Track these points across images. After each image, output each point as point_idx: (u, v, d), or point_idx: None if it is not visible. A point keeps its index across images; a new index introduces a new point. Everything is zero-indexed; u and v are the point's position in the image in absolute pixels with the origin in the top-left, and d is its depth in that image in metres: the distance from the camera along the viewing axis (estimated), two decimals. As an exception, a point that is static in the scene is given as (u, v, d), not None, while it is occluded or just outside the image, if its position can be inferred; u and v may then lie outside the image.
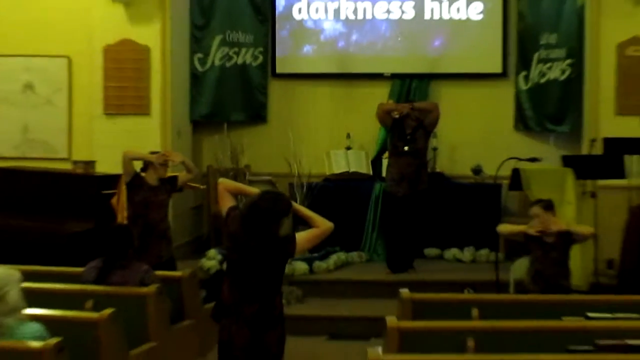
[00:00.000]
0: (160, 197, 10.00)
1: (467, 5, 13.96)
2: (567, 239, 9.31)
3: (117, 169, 10.95)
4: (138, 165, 10.11)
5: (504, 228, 9.87)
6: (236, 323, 6.65)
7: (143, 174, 9.99)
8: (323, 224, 6.87)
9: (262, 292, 6.71)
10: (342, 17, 14.21)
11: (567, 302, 8.04)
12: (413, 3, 14.02)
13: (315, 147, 13.90)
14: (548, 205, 9.47)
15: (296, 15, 14.30)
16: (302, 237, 6.77)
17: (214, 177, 13.45)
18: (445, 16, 14.02)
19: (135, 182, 9.96)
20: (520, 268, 9.66)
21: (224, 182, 7.07)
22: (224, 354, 6.73)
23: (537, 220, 9.42)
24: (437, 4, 13.99)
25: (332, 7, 14.21)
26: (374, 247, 13.05)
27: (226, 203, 6.85)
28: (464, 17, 14.00)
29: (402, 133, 11.98)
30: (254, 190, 6.98)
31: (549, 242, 9.27)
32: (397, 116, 11.99)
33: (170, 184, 10.11)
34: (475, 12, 13.96)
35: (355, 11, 14.15)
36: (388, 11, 14.09)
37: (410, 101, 12.57)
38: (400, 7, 14.04)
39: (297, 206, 7.05)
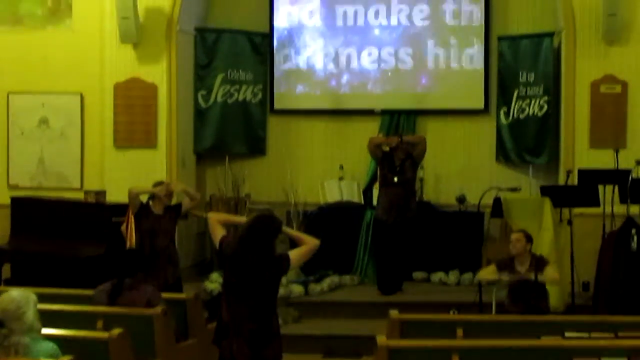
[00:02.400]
0: (165, 225, 10.02)
1: (452, 47, 14.02)
2: (539, 267, 9.35)
3: (126, 198, 10.96)
4: (145, 196, 10.14)
5: (482, 277, 9.86)
6: (236, 342, 6.67)
7: (151, 202, 10.02)
8: (311, 241, 7.15)
9: (260, 311, 6.74)
10: (334, 60, 14.22)
11: (545, 322, 8.04)
12: (400, 49, 14.09)
13: (310, 178, 13.93)
14: (529, 238, 9.52)
15: (292, 57, 14.31)
16: (294, 254, 7.00)
17: (217, 206, 13.47)
18: (432, 57, 14.07)
19: (142, 212, 10.00)
20: (500, 290, 9.67)
21: (213, 215, 7.31)
22: None
23: (512, 244, 9.46)
24: (423, 47, 14.05)
25: (324, 51, 14.22)
26: (365, 270, 13.02)
27: (218, 233, 7.06)
28: (448, 58, 14.03)
29: (392, 165, 12.01)
30: (242, 218, 7.19)
31: (522, 273, 9.32)
32: (387, 149, 12.03)
33: (175, 212, 10.13)
34: (459, 52, 14.01)
35: (348, 57, 14.19)
36: (379, 59, 14.16)
37: (399, 134, 12.56)
38: (392, 53, 14.11)
39: (286, 228, 7.18)
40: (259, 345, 6.71)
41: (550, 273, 9.45)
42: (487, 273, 9.73)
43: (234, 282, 6.81)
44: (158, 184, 10.26)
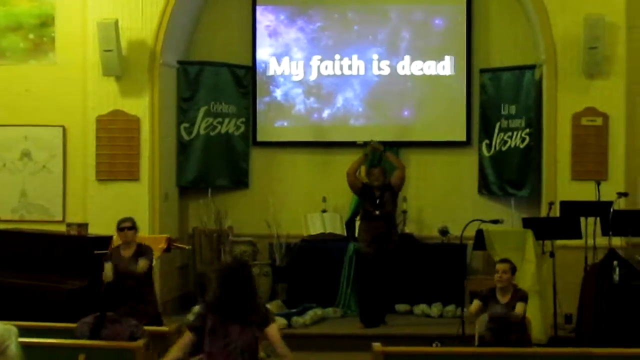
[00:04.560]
0: (134, 266, 10.14)
1: (434, 79, 14.07)
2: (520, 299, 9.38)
3: (109, 230, 11.07)
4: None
5: (472, 309, 9.84)
6: None
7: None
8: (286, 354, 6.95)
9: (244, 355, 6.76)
10: (317, 93, 14.30)
11: (527, 355, 8.04)
12: (384, 81, 14.15)
13: (293, 210, 13.96)
14: (514, 269, 9.54)
15: (274, 90, 14.35)
16: (275, 330, 6.94)
17: (199, 238, 13.47)
18: (414, 90, 14.12)
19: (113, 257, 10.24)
20: (483, 323, 9.67)
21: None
22: None
23: (499, 275, 9.47)
24: (406, 76, 14.10)
25: (306, 84, 14.28)
26: (348, 302, 13.03)
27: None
28: (431, 88, 14.08)
29: (372, 197, 12.05)
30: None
31: (505, 305, 9.33)
32: (368, 153, 12.36)
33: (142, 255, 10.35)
34: (442, 84, 14.06)
35: (330, 89, 14.25)
36: (361, 91, 14.21)
37: (382, 167, 12.57)
38: (375, 85, 14.18)
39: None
40: None
41: (518, 310, 9.47)
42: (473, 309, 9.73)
43: (219, 326, 6.81)
44: (123, 221, 10.41)
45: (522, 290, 9.63)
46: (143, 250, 10.31)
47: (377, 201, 12.05)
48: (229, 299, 6.80)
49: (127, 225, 10.28)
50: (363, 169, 12.74)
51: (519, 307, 9.39)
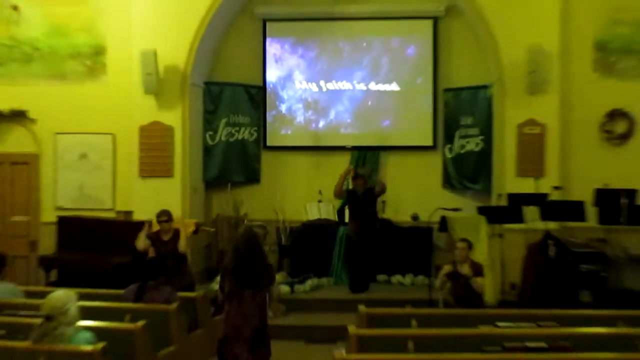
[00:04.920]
0: (171, 247, 10.13)
1: (408, 96, 14.07)
2: (474, 275, 9.42)
3: (150, 216, 10.98)
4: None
5: (437, 284, 9.85)
6: (237, 344, 6.70)
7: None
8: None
9: (257, 314, 6.76)
10: (313, 107, 14.24)
11: (481, 315, 8.05)
12: (369, 97, 14.14)
13: (295, 201, 13.92)
14: (470, 245, 9.58)
15: (279, 106, 14.31)
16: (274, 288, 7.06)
17: (221, 223, 13.46)
18: (392, 105, 14.11)
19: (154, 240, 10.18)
20: (446, 290, 9.69)
21: None
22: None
23: (459, 251, 9.51)
24: (385, 93, 14.09)
25: (305, 100, 14.24)
26: (339, 274, 12.99)
27: None
28: (405, 103, 14.07)
29: (357, 201, 12.12)
30: None
31: (463, 275, 9.36)
32: (351, 172, 12.34)
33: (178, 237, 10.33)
34: (414, 101, 14.06)
35: (324, 105, 14.20)
36: (350, 106, 14.16)
37: (364, 177, 12.59)
38: (361, 101, 14.16)
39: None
40: (255, 343, 6.74)
41: (478, 283, 9.51)
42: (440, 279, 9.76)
43: (235, 291, 6.81)
44: (161, 214, 10.39)
45: (478, 263, 9.70)
46: (179, 234, 10.32)
47: (361, 204, 12.08)
48: (242, 259, 6.80)
49: (164, 219, 10.33)
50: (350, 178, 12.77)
51: (478, 281, 9.44)
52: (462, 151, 13.60)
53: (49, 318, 6.05)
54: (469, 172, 13.58)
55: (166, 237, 10.24)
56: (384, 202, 13.69)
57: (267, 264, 7.05)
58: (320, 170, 14.13)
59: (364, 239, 12.01)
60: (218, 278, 12.08)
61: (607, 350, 6.28)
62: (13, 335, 6.62)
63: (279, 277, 12.69)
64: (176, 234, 10.30)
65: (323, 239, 13.25)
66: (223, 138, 14.02)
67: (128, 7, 13.14)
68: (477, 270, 9.53)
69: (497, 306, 10.61)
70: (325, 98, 14.23)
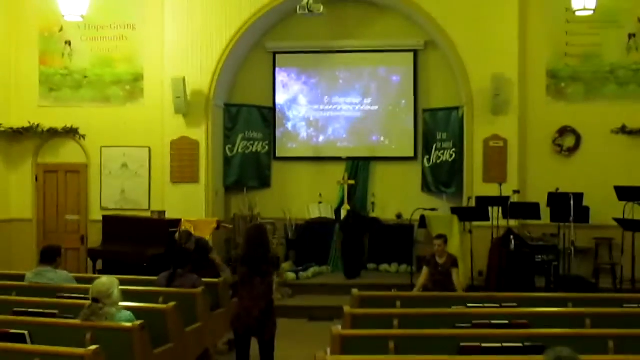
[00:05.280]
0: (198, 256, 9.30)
1: (393, 116, 14.06)
2: (451, 265, 9.40)
3: (179, 215, 11.00)
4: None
5: (421, 284, 9.75)
6: (248, 321, 6.71)
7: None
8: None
9: (264, 296, 6.76)
10: (314, 125, 14.22)
11: (454, 297, 8.06)
12: (359, 118, 14.13)
13: (300, 202, 13.89)
14: (445, 240, 9.57)
15: (286, 124, 14.28)
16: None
17: (238, 221, 13.44)
18: (380, 122, 14.10)
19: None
20: (425, 276, 9.68)
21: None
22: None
23: (437, 247, 9.49)
24: (375, 113, 14.09)
25: (308, 120, 14.22)
26: (336, 262, 13.01)
27: None
28: (391, 121, 14.06)
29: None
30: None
31: (441, 265, 9.35)
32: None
33: (202, 247, 9.62)
34: (398, 119, 14.05)
35: (324, 123, 14.20)
36: (345, 125, 14.13)
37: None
38: (355, 121, 14.15)
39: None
40: (262, 320, 6.74)
41: (456, 279, 9.53)
42: (423, 276, 9.72)
43: (247, 279, 6.81)
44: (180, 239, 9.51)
45: (453, 255, 9.69)
46: (203, 245, 9.71)
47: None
48: (252, 250, 6.80)
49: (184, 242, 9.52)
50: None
51: (455, 273, 9.45)
52: (438, 161, 13.56)
53: (95, 300, 6.04)
54: (443, 179, 13.54)
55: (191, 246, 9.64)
56: (373, 203, 13.74)
57: (271, 254, 7.07)
58: (320, 177, 14.09)
59: (355, 237, 12.03)
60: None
61: (559, 326, 6.27)
62: (66, 314, 6.61)
63: (286, 265, 12.71)
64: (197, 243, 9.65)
65: (323, 234, 13.26)
66: (240, 150, 13.98)
67: (161, 42, 13.15)
68: (453, 261, 9.50)
69: (467, 290, 10.59)
70: (324, 117, 14.20)
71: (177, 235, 9.99)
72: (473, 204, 11.95)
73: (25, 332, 5.76)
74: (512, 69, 12.51)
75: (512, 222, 11.50)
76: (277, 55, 14.23)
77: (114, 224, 11.83)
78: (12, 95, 13.50)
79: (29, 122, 13.25)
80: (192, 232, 9.99)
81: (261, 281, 6.76)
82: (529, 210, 11.45)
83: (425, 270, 9.59)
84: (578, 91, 12.81)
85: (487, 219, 11.46)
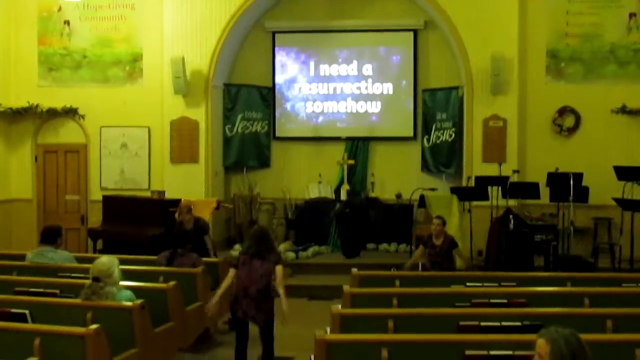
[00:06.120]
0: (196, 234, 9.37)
1: (393, 96, 14.02)
2: (450, 247, 9.39)
3: (179, 195, 10.98)
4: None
5: (417, 254, 9.78)
6: (246, 301, 6.75)
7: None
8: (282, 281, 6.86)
9: (262, 280, 6.80)
10: (314, 105, 14.16)
11: (454, 276, 8.08)
12: (359, 98, 14.09)
13: (299, 182, 13.92)
14: (444, 222, 9.55)
15: (285, 104, 14.24)
16: (280, 270, 6.87)
17: (238, 201, 13.46)
18: (379, 103, 14.07)
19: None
20: (418, 255, 9.66)
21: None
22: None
23: (434, 226, 9.47)
24: (374, 94, 14.04)
25: (307, 100, 14.15)
26: (336, 242, 13.02)
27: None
28: (390, 101, 14.03)
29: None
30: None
31: (438, 246, 9.35)
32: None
33: (200, 231, 9.67)
34: (398, 100, 14.02)
35: (323, 103, 14.14)
36: (345, 105, 14.07)
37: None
38: (354, 99, 14.11)
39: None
40: (259, 301, 6.77)
41: (459, 258, 9.57)
42: (417, 254, 9.72)
43: (247, 260, 6.86)
44: (182, 211, 9.80)
45: (451, 236, 9.65)
46: (201, 225, 9.86)
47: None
48: (256, 248, 6.86)
49: (185, 213, 9.77)
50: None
51: (456, 253, 9.50)
52: (438, 141, 13.55)
53: (96, 279, 6.05)
54: (443, 159, 13.53)
55: (188, 227, 9.83)
56: (372, 183, 13.74)
57: (274, 249, 7.14)
58: (319, 157, 14.09)
59: (355, 217, 12.05)
60: (236, 246, 12.18)
61: (558, 305, 6.29)
62: (66, 293, 6.62)
63: (286, 245, 12.74)
64: (197, 223, 9.79)
65: (322, 214, 13.29)
66: (239, 130, 13.96)
67: (160, 22, 13.11)
68: (452, 242, 9.48)
69: (466, 269, 10.61)
70: (323, 97, 14.16)
71: (177, 211, 10.02)
72: (472, 183, 11.95)
73: (26, 312, 5.78)
74: (511, 48, 12.48)
75: (512, 202, 11.52)
76: (276, 35, 14.17)
77: (113, 204, 11.83)
78: (12, 76, 13.47)
79: (29, 102, 13.22)
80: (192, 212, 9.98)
81: (260, 264, 6.80)
82: (528, 190, 11.45)
83: (420, 249, 9.59)
84: (578, 71, 12.78)
85: (487, 199, 11.46)
